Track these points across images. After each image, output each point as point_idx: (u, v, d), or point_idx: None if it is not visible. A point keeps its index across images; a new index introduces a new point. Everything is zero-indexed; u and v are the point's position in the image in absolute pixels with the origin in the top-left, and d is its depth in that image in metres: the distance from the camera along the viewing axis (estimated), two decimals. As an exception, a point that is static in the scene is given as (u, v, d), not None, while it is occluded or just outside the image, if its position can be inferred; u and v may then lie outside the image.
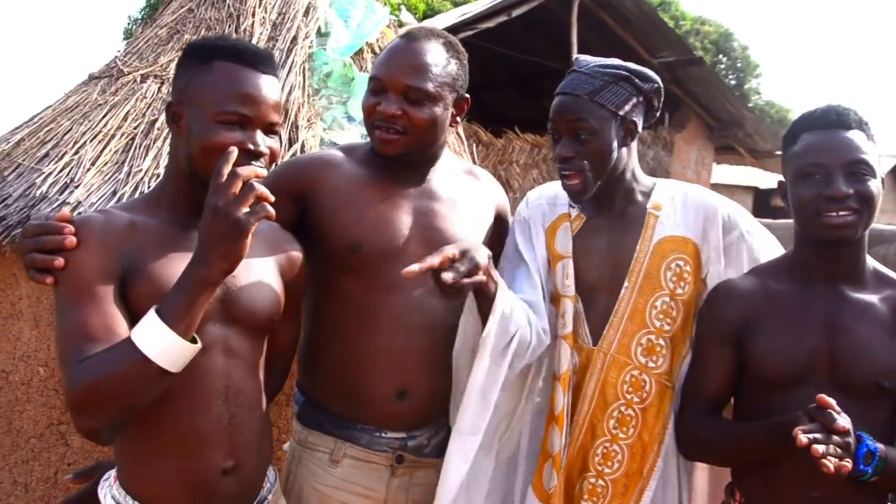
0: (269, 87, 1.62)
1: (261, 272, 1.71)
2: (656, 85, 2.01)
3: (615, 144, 1.96)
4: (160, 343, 1.39)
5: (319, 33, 3.79)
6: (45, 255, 1.49)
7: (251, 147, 1.56)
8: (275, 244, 1.80)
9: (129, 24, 10.96)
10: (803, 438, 1.57)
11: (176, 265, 1.55)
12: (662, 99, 2.06)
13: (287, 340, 1.93)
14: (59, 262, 1.48)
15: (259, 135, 1.58)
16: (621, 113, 1.96)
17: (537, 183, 8.01)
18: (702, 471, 2.14)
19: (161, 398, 1.50)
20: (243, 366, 1.66)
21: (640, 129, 2.02)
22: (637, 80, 1.97)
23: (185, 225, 1.64)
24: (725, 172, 14.00)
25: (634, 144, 2.06)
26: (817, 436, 1.58)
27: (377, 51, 3.87)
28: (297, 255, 1.85)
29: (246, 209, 1.41)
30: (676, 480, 2.05)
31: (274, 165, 1.68)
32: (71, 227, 1.51)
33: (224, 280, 1.52)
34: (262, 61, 1.63)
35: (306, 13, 3.79)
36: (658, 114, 2.09)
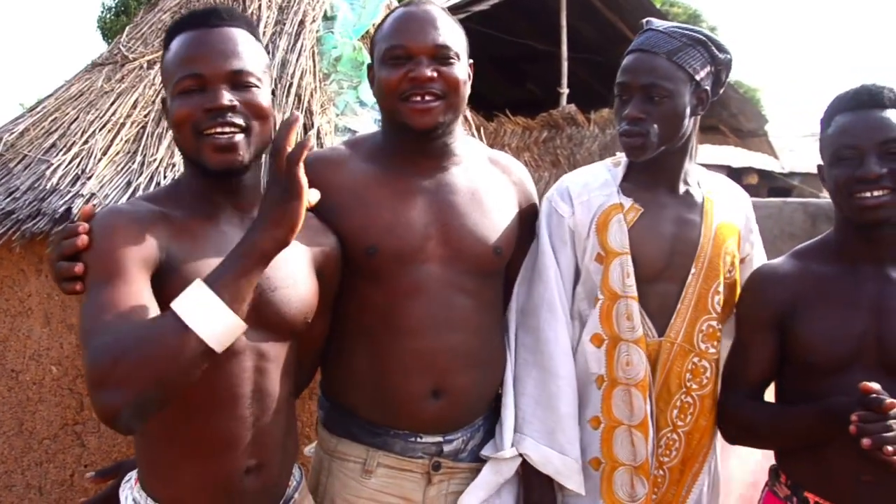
0: (220, 37, 1.51)
1: (295, 271, 1.63)
2: (730, 56, 1.94)
3: (688, 111, 1.89)
4: (207, 314, 1.24)
5: (325, 17, 3.69)
6: (68, 262, 1.40)
7: (209, 105, 1.45)
8: (309, 237, 1.70)
9: (102, 12, 10.73)
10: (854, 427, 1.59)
11: (211, 261, 1.46)
12: (730, 74, 1.98)
13: (317, 335, 1.83)
14: (79, 267, 1.38)
15: (221, 90, 1.47)
16: (697, 78, 1.88)
17: (529, 166, 7.96)
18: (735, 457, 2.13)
19: (186, 403, 1.41)
20: (273, 369, 1.59)
21: (709, 100, 1.95)
22: (713, 48, 1.89)
23: (211, 216, 1.56)
24: (702, 152, 14.15)
25: (697, 124, 1.98)
26: (870, 426, 1.58)
27: (382, 33, 3.78)
28: (333, 247, 1.76)
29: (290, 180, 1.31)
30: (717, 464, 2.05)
31: (267, 121, 1.56)
32: (85, 226, 1.41)
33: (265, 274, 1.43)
34: (210, 16, 1.53)
35: (312, -5, 3.69)
36: (723, 90, 2.01)
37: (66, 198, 2.87)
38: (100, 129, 3.13)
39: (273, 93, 1.64)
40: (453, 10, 7.04)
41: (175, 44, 1.53)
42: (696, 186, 2.01)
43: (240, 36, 1.53)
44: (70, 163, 3.02)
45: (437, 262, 1.84)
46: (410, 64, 1.78)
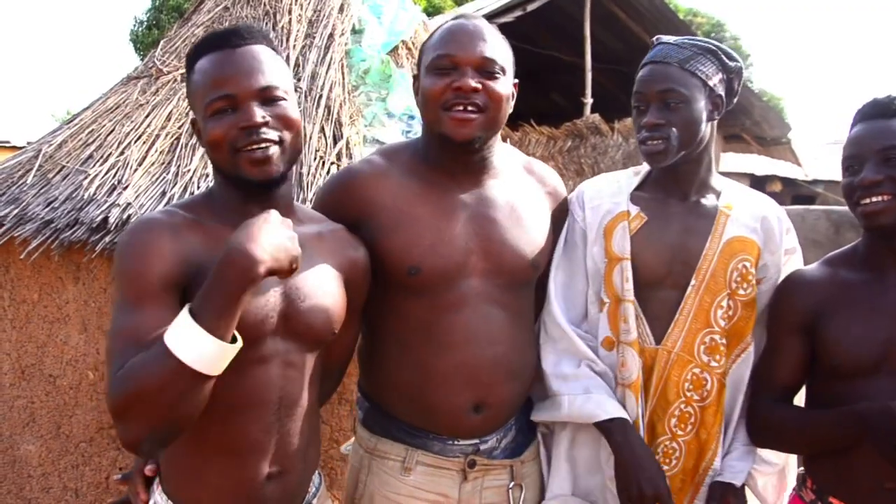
0: (245, 57, 1.53)
1: (323, 282, 1.65)
2: (740, 65, 1.98)
3: (704, 115, 1.93)
4: (196, 347, 1.28)
5: (353, 30, 3.77)
6: None
7: (244, 124, 1.49)
8: (338, 249, 1.73)
9: (134, 25, 10.92)
10: None
11: None
12: (741, 83, 2.02)
13: (345, 345, 1.87)
14: None
15: (253, 106, 1.50)
16: (710, 84, 1.93)
17: (553, 176, 7.98)
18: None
19: (213, 408, 1.42)
20: (299, 378, 1.62)
21: (724, 106, 1.99)
22: (723, 56, 1.95)
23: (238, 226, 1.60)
24: (725, 160, 14.05)
25: (715, 133, 2.02)
26: None
27: (411, 47, 3.85)
28: (362, 259, 1.79)
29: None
30: None
31: (298, 131, 1.60)
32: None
33: (287, 291, 1.51)
34: (233, 36, 1.55)
35: (341, 10, 3.76)
36: (736, 98, 2.04)
37: (103, 207, 2.95)
38: (135, 141, 3.21)
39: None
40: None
41: (200, 66, 1.55)
42: (712, 198, 2.04)
43: (262, 53, 1.56)
44: (107, 173, 3.11)
45: (478, 276, 1.87)
46: (455, 74, 1.80)
